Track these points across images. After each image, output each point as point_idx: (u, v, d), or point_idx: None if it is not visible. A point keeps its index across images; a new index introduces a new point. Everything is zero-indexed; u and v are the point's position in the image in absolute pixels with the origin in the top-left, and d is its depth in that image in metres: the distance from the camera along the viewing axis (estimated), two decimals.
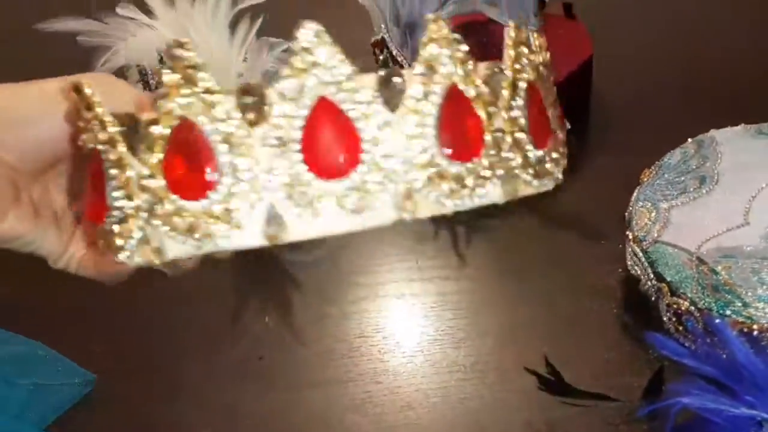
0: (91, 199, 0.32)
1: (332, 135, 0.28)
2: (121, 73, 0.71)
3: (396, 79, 0.29)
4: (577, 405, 0.49)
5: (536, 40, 0.35)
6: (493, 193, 0.30)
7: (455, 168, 0.29)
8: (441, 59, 0.29)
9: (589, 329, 0.55)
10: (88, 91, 0.31)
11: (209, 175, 0.28)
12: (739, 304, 0.47)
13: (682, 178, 0.55)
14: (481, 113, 0.30)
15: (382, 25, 0.66)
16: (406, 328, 0.57)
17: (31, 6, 1.04)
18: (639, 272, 0.53)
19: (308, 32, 0.28)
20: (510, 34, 0.32)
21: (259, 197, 0.28)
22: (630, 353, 0.53)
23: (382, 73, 0.28)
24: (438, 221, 0.60)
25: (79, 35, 0.67)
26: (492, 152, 0.30)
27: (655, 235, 0.52)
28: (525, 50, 0.32)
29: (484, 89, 0.30)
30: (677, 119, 0.69)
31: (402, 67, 0.64)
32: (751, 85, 0.73)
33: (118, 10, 0.65)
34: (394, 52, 0.65)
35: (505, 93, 0.31)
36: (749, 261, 0.48)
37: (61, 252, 0.38)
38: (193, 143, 0.28)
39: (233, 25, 0.63)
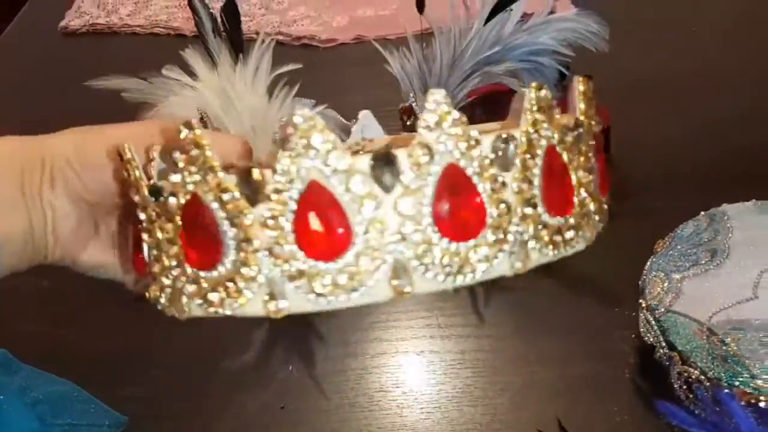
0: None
1: (324, 218, 0.29)
2: None
3: (390, 163, 0.29)
4: None
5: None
6: (500, 267, 0.30)
7: (453, 246, 0.29)
8: (440, 138, 0.29)
9: (602, 392, 0.57)
10: (198, 132, 0.31)
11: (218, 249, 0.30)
12: (747, 375, 0.49)
13: (694, 250, 0.57)
14: (485, 186, 0.30)
15: (411, 94, 0.70)
16: (424, 384, 0.60)
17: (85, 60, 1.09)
18: (652, 339, 0.55)
19: (300, 118, 0.29)
20: (530, 95, 0.31)
21: (258, 271, 0.29)
22: (642, 417, 0.55)
23: (375, 155, 0.29)
24: None
25: (124, 92, 0.71)
26: (497, 227, 0.30)
27: (668, 304, 0.55)
28: (544, 115, 0.32)
29: (489, 161, 0.30)
30: (691, 190, 0.72)
31: None
32: (763, 160, 0.76)
33: (164, 71, 0.69)
34: None
35: (518, 161, 0.31)
36: (758, 334, 0.51)
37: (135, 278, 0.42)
38: (201, 221, 0.30)
39: (272, 88, 0.67)
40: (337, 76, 0.99)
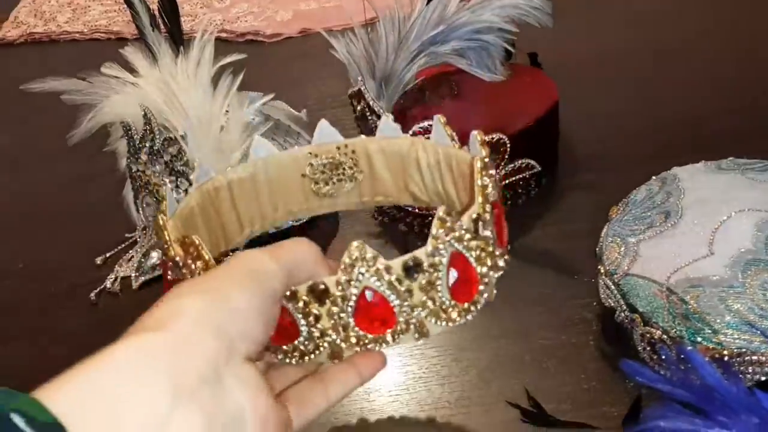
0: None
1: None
2: (104, 129, 0.73)
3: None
4: None
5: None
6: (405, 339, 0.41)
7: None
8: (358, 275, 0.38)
9: (568, 361, 0.57)
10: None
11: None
12: (709, 331, 0.50)
13: (649, 214, 0.58)
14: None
15: (359, 78, 0.69)
16: (391, 366, 0.59)
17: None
18: (612, 304, 0.55)
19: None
20: (434, 229, 0.39)
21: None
22: (609, 383, 0.55)
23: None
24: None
25: (63, 94, 0.69)
26: (405, 321, 0.40)
27: (626, 268, 0.55)
28: (448, 233, 0.39)
29: (398, 281, 0.38)
30: (641, 159, 0.73)
31: (378, 116, 0.67)
32: (709, 125, 0.77)
33: (103, 69, 0.67)
34: (371, 103, 0.68)
35: (422, 278, 0.39)
36: (716, 290, 0.51)
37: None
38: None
39: (215, 81, 0.65)
40: (285, 69, 0.98)
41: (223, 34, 1.06)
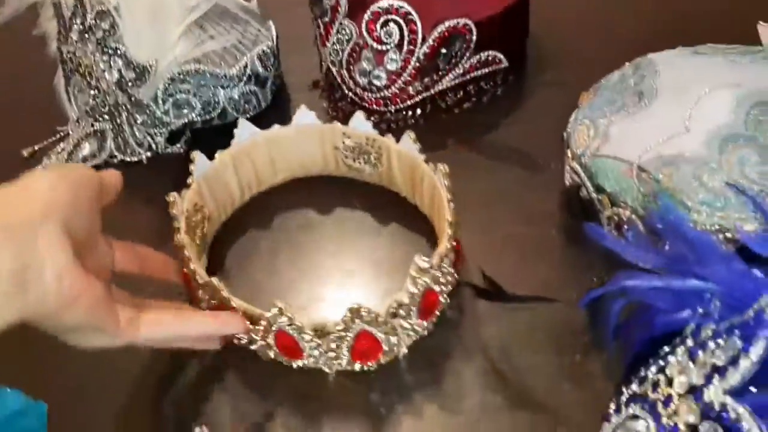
0: None
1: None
2: (34, 9, 0.66)
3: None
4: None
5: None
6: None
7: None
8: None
9: (529, 251, 0.53)
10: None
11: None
12: (683, 209, 0.46)
13: (621, 96, 0.53)
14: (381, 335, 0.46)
15: None
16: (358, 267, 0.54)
17: None
18: (577, 187, 0.51)
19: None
20: (412, 272, 0.46)
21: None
22: (570, 274, 0.51)
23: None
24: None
25: None
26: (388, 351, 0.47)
27: (595, 149, 0.51)
28: (422, 276, 0.46)
29: (383, 321, 0.45)
30: (613, 58, 0.68)
31: None
32: (688, 20, 0.72)
33: None
34: None
35: (403, 312, 0.46)
36: (690, 167, 0.47)
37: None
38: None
39: None
40: None
41: None
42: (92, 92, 0.63)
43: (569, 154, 0.53)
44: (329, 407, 0.46)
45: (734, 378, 0.31)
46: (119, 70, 0.60)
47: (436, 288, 0.47)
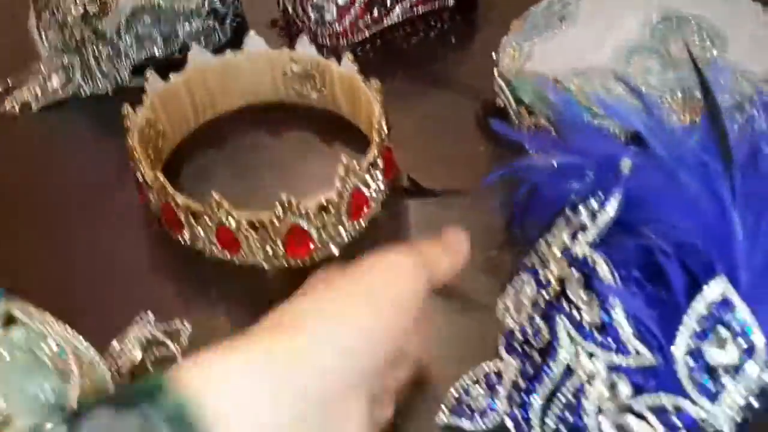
0: None
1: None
2: None
3: None
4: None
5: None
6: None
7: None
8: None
9: (460, 166, 0.56)
10: None
11: None
12: (589, 115, 0.50)
13: (546, 21, 0.57)
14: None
15: None
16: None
17: None
18: (504, 104, 0.55)
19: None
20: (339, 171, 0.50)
21: None
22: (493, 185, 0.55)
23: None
24: None
25: None
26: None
27: (518, 68, 0.54)
28: (351, 177, 0.50)
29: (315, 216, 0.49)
30: None
31: None
32: None
33: None
34: None
35: (333, 210, 0.50)
36: (600, 79, 0.51)
37: None
38: None
39: None
40: None
41: None
42: (60, 27, 0.67)
43: (496, 74, 0.56)
44: (270, 303, 0.51)
45: (593, 231, 0.35)
46: (84, 5, 0.64)
47: (365, 190, 0.51)
